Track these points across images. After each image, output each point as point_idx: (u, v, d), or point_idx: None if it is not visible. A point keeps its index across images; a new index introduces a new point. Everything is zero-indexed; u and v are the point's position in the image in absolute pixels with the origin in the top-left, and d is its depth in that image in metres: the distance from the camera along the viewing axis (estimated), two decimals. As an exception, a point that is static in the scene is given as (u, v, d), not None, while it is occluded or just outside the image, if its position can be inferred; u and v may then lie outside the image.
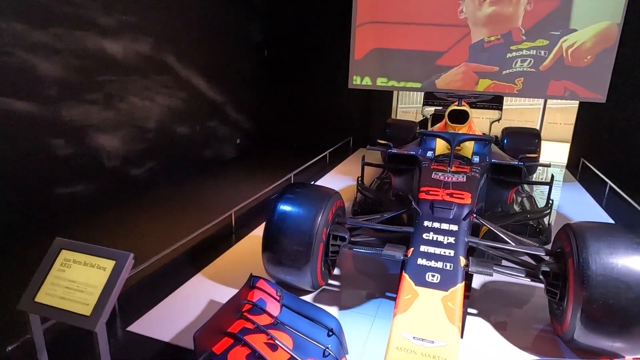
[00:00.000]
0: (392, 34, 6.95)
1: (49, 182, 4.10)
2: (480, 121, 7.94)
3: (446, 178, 3.08)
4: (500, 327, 2.59)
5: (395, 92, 7.93)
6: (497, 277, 3.03)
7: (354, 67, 7.28)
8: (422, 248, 2.40)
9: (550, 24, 6.03)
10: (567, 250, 2.29)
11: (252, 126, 7.82)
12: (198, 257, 3.44)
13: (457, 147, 4.26)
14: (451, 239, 2.44)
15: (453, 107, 4.29)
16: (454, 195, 2.75)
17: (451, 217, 2.58)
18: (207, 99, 6.43)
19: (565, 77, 6.09)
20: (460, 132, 4.30)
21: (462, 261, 2.32)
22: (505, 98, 6.21)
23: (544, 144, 6.07)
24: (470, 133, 4.28)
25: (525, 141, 5.81)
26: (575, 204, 4.96)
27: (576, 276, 2.15)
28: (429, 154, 3.96)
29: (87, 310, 1.84)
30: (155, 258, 3.11)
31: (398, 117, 8.21)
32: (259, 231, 3.90)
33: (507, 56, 6.37)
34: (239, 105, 7.25)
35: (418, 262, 2.31)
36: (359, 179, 4.26)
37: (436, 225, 2.55)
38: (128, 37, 4.85)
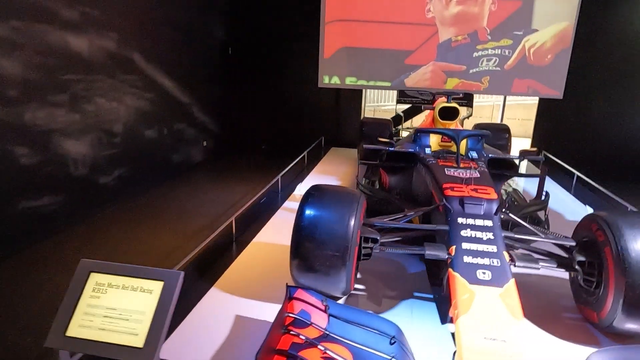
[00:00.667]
0: (361, 32, 6.97)
1: (11, 195, 3.61)
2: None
3: (461, 174, 3.08)
4: (533, 319, 2.62)
5: (364, 91, 7.97)
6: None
7: (323, 66, 7.21)
8: (465, 246, 2.37)
9: (513, 24, 6.36)
10: (601, 240, 2.37)
11: (219, 128, 7.48)
12: (204, 270, 3.19)
13: (449, 144, 4.34)
14: (489, 235, 2.43)
15: (443, 104, 4.35)
16: (479, 190, 2.75)
17: (482, 213, 2.58)
18: (173, 100, 6.04)
19: (528, 75, 6.45)
20: (451, 128, 4.38)
21: (507, 256, 2.32)
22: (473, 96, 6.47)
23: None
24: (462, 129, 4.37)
25: (496, 136, 6.07)
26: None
27: (616, 264, 2.23)
28: (427, 151, 3.98)
29: (138, 342, 1.59)
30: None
31: (372, 116, 8.27)
32: (261, 237, 3.69)
33: (474, 55, 6.62)
34: (204, 106, 6.90)
35: (465, 260, 2.28)
36: (358, 178, 4.19)
37: (470, 221, 2.53)
38: (93, 32, 4.41)
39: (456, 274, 2.22)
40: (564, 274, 2.84)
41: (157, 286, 1.69)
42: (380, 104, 10.96)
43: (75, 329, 1.65)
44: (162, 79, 5.75)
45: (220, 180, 6.14)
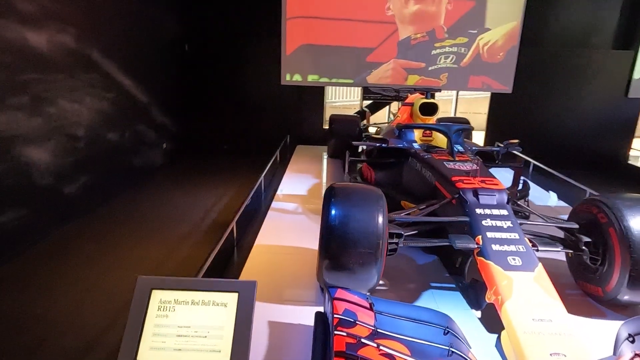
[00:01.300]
0: (322, 29, 6.99)
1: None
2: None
3: (463, 167, 3.23)
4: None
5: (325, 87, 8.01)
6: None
7: (285, 63, 7.14)
8: (489, 235, 2.50)
9: (468, 23, 6.74)
10: (604, 222, 2.62)
11: (178, 129, 7.14)
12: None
13: (430, 138, 4.52)
14: (508, 223, 2.58)
15: (423, 100, 4.50)
16: (487, 182, 2.90)
17: (496, 203, 2.73)
18: (133, 100, 5.67)
19: (483, 72, 6.88)
20: (430, 123, 4.56)
21: (528, 242, 2.48)
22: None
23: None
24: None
25: (458, 130, 6.43)
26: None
27: (621, 242, 2.48)
28: (415, 145, 4.12)
29: (223, 358, 1.50)
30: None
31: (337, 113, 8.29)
32: (261, 241, 3.59)
33: (432, 53, 6.93)
34: (162, 106, 6.54)
35: (494, 249, 2.40)
36: (350, 174, 4.21)
37: (487, 211, 2.67)
38: (52, 27, 4.01)
39: (490, 262, 2.34)
40: (556, 255, 3.09)
41: (231, 298, 1.60)
42: (336, 100, 11.10)
43: (147, 353, 1.52)
44: (121, 78, 5.37)
45: (187, 183, 5.89)
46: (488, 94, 7.45)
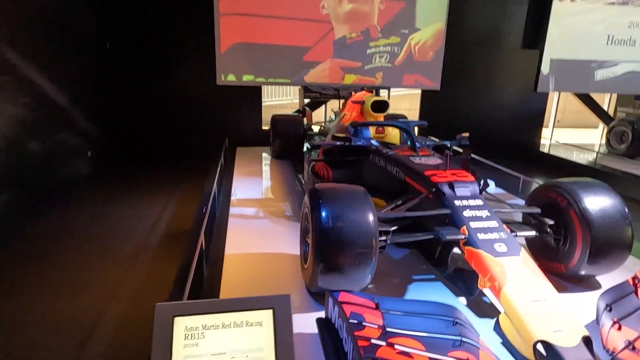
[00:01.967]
0: (257, 27, 6.83)
1: None
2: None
3: (428, 162, 3.35)
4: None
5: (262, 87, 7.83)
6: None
7: (220, 62, 6.86)
8: (473, 224, 2.61)
9: (400, 23, 7.02)
10: (564, 205, 2.88)
11: (103, 135, 6.51)
12: (195, 298, 2.81)
13: (382, 135, 4.63)
14: (486, 212, 2.73)
15: (374, 97, 4.60)
16: (457, 174, 3.04)
17: (470, 194, 2.87)
18: (52, 105, 5.05)
19: (415, 70, 7.22)
20: (381, 120, 4.67)
21: (507, 228, 2.64)
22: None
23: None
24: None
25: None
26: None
27: (582, 222, 2.75)
28: (374, 142, 4.20)
29: (269, 382, 1.38)
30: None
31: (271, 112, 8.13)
32: (231, 250, 3.39)
33: (367, 52, 7.11)
34: (86, 110, 5.93)
35: (481, 237, 2.52)
36: (306, 177, 4.14)
37: (465, 203, 2.79)
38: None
39: (480, 251, 2.44)
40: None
41: (266, 316, 1.48)
42: (271, 99, 10.95)
43: (181, 388, 1.35)
44: (38, 80, 4.75)
45: (122, 193, 5.40)
46: (413, 91, 7.85)
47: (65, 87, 5.26)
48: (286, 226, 3.91)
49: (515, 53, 8.01)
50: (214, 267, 3.15)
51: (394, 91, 9.41)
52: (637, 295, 2.45)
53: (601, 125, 9.50)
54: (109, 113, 6.67)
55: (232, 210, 4.24)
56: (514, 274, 2.28)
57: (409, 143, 4.39)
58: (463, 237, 2.56)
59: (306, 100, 7.54)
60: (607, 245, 2.72)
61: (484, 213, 2.71)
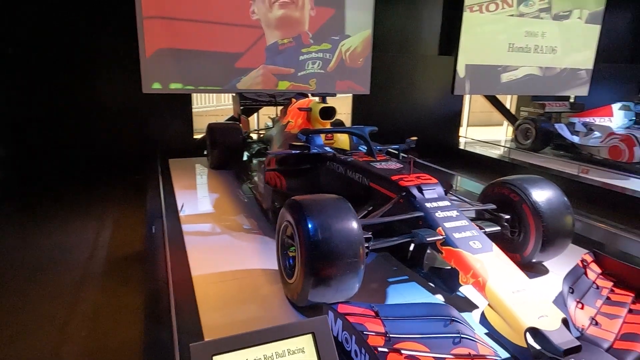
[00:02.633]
0: (185, 33, 6.51)
1: None
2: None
3: (391, 166, 3.47)
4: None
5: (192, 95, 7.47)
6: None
7: (145, 70, 6.41)
8: (447, 225, 2.75)
9: (330, 30, 7.15)
10: (516, 200, 3.16)
11: (8, 153, 5.74)
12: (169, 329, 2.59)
13: (332, 141, 4.70)
14: (454, 212, 2.89)
15: (322, 104, 4.63)
16: (421, 177, 3.19)
17: (437, 196, 3.03)
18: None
19: (347, 77, 7.39)
20: (328, 127, 4.73)
21: (475, 226, 2.83)
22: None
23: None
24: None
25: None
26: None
27: (534, 215, 3.05)
28: (328, 149, 4.23)
29: (323, 410, 1.33)
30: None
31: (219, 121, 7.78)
32: (197, 271, 3.18)
33: (300, 58, 7.13)
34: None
35: (457, 237, 2.67)
36: (272, 186, 4.02)
37: (435, 204, 2.93)
38: None
39: (459, 250, 2.59)
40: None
41: (306, 341, 1.42)
42: (200, 106, 10.49)
43: None
44: None
45: (41, 219, 4.84)
46: (342, 95, 8.06)
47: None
48: (249, 240, 3.78)
49: (433, 59, 8.61)
50: (184, 290, 2.93)
51: (316, 92, 9.56)
52: (586, 275, 2.78)
53: (505, 123, 10.60)
54: (17, 129, 5.89)
55: (185, 227, 3.99)
56: (494, 269, 2.46)
57: (360, 148, 4.52)
58: (441, 237, 2.69)
59: (241, 108, 7.36)
60: (555, 233, 3.05)
61: (453, 213, 2.88)
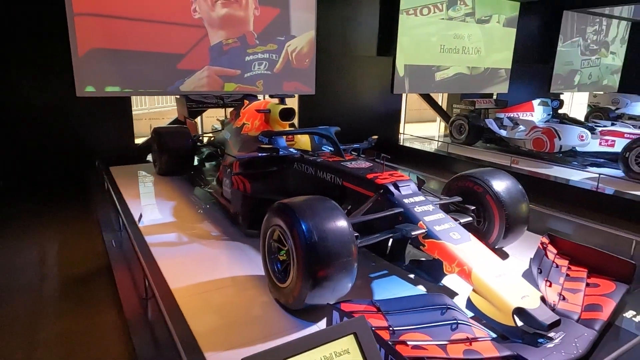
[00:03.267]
0: (121, 32, 6.14)
1: None
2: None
3: (362, 165, 3.56)
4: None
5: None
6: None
7: (79, 72, 5.95)
8: (427, 219, 2.90)
9: (276, 30, 7.11)
10: (480, 191, 3.41)
11: None
12: (162, 348, 2.45)
13: (293, 142, 4.72)
14: (430, 206, 3.05)
15: (281, 106, 4.62)
16: (394, 175, 3.32)
17: (412, 192, 3.17)
18: None
19: (294, 78, 7.41)
20: (286, 128, 4.73)
21: (451, 218, 3.01)
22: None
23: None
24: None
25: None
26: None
27: (497, 205, 3.32)
28: (293, 150, 4.24)
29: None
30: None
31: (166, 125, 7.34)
32: (175, 284, 3.03)
33: (246, 59, 7.02)
34: None
35: (438, 229, 2.82)
36: (242, 191, 3.92)
37: (411, 200, 3.08)
38: None
39: (442, 242, 2.74)
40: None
41: (349, 342, 1.45)
42: (138, 108, 9.85)
43: None
44: None
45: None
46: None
47: None
48: (221, 247, 3.68)
49: (373, 60, 8.91)
50: (166, 305, 2.78)
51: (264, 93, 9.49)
52: (547, 256, 3.09)
53: (438, 119, 11.28)
54: None
55: (149, 239, 3.77)
56: (476, 257, 2.65)
57: (324, 149, 4.58)
58: (423, 231, 2.83)
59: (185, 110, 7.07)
60: (515, 220, 3.35)
61: (430, 207, 3.04)
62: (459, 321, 2.32)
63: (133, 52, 6.28)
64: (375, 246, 3.31)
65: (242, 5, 6.79)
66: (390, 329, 2.24)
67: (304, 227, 2.43)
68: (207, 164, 5.90)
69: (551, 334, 2.31)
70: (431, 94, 10.29)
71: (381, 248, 3.23)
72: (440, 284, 3.01)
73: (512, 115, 8.50)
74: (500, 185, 3.39)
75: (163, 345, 2.50)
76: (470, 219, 3.32)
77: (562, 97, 8.66)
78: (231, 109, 6.01)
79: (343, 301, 2.36)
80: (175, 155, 5.77)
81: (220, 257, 3.48)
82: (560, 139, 7.37)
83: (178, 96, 6.73)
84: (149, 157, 7.08)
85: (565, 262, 3.10)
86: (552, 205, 5.08)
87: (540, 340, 2.29)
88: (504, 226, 3.32)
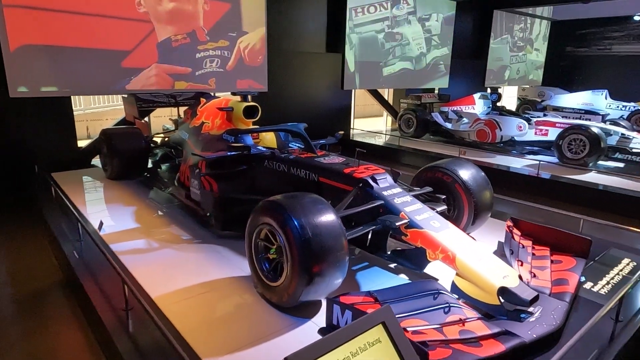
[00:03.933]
0: (58, 26, 5.69)
1: None
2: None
3: (336, 160, 3.60)
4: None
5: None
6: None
7: (11, 70, 5.43)
8: (407, 209, 3.00)
9: (227, 26, 6.92)
10: (449, 181, 3.59)
11: None
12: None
13: (258, 140, 4.66)
14: (408, 197, 3.16)
15: (245, 103, 4.53)
16: (370, 168, 3.39)
17: (389, 184, 3.26)
18: None
19: (247, 75, 7.26)
20: (252, 126, 4.67)
21: (428, 207, 3.14)
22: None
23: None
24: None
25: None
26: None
27: (465, 193, 3.50)
28: (261, 148, 4.19)
29: (412, 391, 1.40)
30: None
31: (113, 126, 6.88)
32: (156, 291, 2.88)
33: (197, 56, 6.78)
34: None
35: (419, 219, 2.93)
36: (214, 194, 3.79)
37: (389, 192, 3.16)
38: None
39: (424, 230, 2.85)
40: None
41: (379, 331, 1.48)
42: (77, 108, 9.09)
43: None
44: None
45: None
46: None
47: None
48: (195, 251, 3.55)
49: (323, 57, 8.98)
50: (154, 313, 2.64)
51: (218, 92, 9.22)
52: (513, 238, 3.32)
53: (385, 114, 11.63)
54: None
55: (115, 247, 3.54)
56: (457, 243, 2.78)
57: (291, 145, 4.56)
58: (405, 221, 2.93)
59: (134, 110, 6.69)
60: (482, 206, 3.56)
61: (408, 198, 3.15)
62: (450, 304, 2.44)
63: (72, 49, 5.83)
64: (355, 239, 3.37)
65: (190, 0, 6.54)
66: (389, 317, 2.30)
67: (297, 224, 2.42)
68: (162, 166, 5.65)
69: (531, 309, 2.50)
70: (378, 90, 10.58)
71: (362, 240, 3.30)
72: (419, 271, 3.13)
73: (456, 109, 8.98)
74: (467, 174, 3.59)
75: (151, 355, 2.39)
76: (445, 207, 3.48)
77: (499, 90, 9.30)
78: (185, 108, 5.80)
79: (341, 294, 2.39)
80: (128, 157, 5.47)
81: (196, 261, 3.36)
82: (501, 129, 7.91)
83: (125, 95, 6.35)
84: (95, 161, 6.66)
85: (530, 243, 3.36)
86: (500, 192, 5.46)
87: (523, 315, 2.47)
88: (472, 213, 3.52)
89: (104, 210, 4.55)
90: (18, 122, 5.81)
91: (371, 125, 11.60)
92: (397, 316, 2.25)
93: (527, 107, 11.41)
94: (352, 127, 10.10)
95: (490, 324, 2.35)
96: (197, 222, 4.08)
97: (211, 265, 3.29)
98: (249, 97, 4.68)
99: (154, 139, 6.01)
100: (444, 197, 3.59)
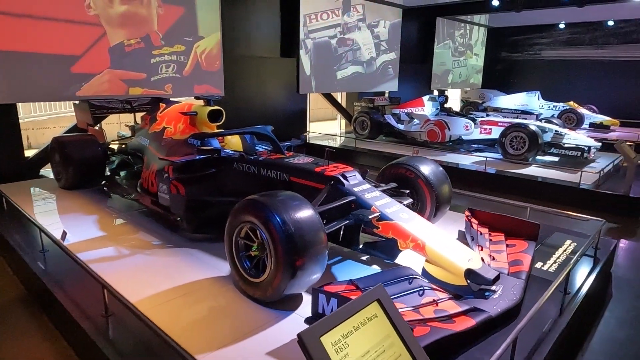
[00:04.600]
0: (1, 29, 5.38)
1: None
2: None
3: (304, 160, 3.73)
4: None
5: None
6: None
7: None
8: (378, 203, 3.18)
9: (182, 30, 6.85)
10: (412, 177, 3.83)
11: None
12: None
13: (223, 143, 4.71)
14: (377, 192, 3.35)
15: (209, 107, 4.55)
16: (339, 167, 3.55)
17: (358, 181, 3.44)
18: None
19: (204, 80, 7.21)
20: (218, 130, 4.69)
21: (396, 201, 3.35)
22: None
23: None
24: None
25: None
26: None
27: (428, 187, 3.76)
28: (229, 151, 4.23)
29: None
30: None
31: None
32: (136, 296, 2.85)
33: (152, 62, 6.65)
34: None
35: (389, 212, 3.12)
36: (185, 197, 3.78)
37: (359, 188, 3.34)
38: None
39: (395, 222, 3.05)
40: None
41: (375, 308, 1.63)
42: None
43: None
44: None
45: None
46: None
47: None
48: (169, 255, 3.54)
49: (278, 61, 9.10)
50: (133, 319, 2.63)
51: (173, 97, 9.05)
52: (472, 226, 3.62)
53: (339, 117, 11.91)
54: None
55: (83, 256, 3.45)
56: (426, 232, 3.01)
57: (258, 148, 4.63)
58: (377, 214, 3.11)
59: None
60: (442, 200, 3.83)
61: (377, 193, 3.34)
62: (424, 287, 2.65)
63: (17, 53, 5.55)
64: (329, 234, 3.52)
65: (143, 3, 6.42)
66: (370, 303, 2.46)
67: (279, 220, 2.53)
68: (120, 173, 5.50)
69: (493, 288, 2.77)
70: (332, 94, 10.84)
71: (335, 235, 3.45)
72: (390, 260, 3.33)
73: (407, 111, 9.41)
74: (428, 169, 3.85)
75: (137, 358, 2.39)
76: (411, 201, 3.71)
77: (446, 93, 9.86)
78: (143, 114, 5.69)
79: (325, 284, 2.51)
80: (85, 166, 5.29)
81: (170, 265, 3.35)
82: (449, 129, 8.41)
83: (77, 102, 6.11)
84: (44, 171, 6.35)
85: (486, 230, 3.67)
86: (453, 187, 5.85)
87: (487, 293, 2.72)
88: (434, 205, 3.79)
89: (63, 220, 4.39)
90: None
91: (326, 128, 11.84)
92: (377, 301, 2.44)
93: (470, 108, 12.16)
94: (308, 130, 10.26)
95: (460, 303, 2.58)
96: (166, 227, 4.05)
97: (187, 268, 3.30)
98: (212, 101, 4.69)
99: (110, 146, 5.83)
100: (408, 191, 3.83)
